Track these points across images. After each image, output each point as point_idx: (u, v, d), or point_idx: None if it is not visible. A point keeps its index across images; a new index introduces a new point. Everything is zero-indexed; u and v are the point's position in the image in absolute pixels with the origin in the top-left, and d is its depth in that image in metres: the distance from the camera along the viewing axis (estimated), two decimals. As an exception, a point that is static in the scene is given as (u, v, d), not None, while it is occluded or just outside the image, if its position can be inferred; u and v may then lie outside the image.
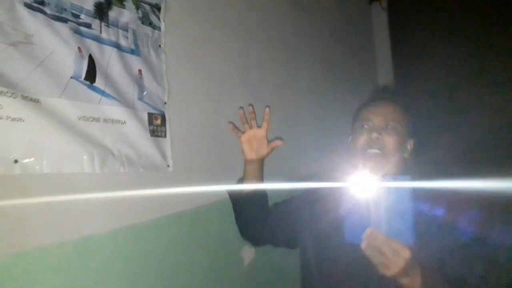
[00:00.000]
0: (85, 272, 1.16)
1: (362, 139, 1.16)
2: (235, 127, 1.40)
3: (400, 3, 4.62)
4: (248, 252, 1.81)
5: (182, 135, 1.58)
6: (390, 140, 1.14)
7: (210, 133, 1.75)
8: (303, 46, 2.78)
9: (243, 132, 1.35)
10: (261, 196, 1.37)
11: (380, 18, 4.65)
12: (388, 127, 1.15)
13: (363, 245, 0.88)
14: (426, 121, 2.82)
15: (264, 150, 1.31)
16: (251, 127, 1.38)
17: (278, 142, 1.33)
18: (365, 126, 1.19)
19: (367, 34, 4.53)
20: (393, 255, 0.83)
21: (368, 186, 0.92)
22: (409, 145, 1.20)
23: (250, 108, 1.28)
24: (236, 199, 1.36)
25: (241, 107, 1.21)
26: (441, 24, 3.84)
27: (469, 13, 3.55)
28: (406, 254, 0.83)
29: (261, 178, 1.35)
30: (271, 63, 2.30)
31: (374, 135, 1.13)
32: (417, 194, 0.88)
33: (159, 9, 1.54)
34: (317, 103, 2.85)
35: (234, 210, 1.38)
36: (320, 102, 2.88)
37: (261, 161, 1.34)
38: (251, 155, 1.32)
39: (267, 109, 1.33)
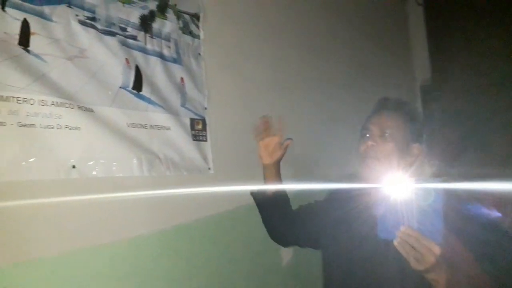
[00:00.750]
0: (135, 270, 1.24)
1: (361, 147, 1.20)
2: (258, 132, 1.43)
3: (437, -3, 4.50)
4: (286, 252, 1.85)
5: (221, 138, 1.64)
6: (385, 147, 1.15)
7: (247, 136, 1.79)
8: (336, 46, 2.79)
9: (262, 139, 1.38)
10: (282, 197, 1.41)
11: (415, 14, 4.56)
12: (386, 134, 1.16)
13: (397, 241, 0.93)
14: (464, 119, 2.75)
15: (278, 153, 1.34)
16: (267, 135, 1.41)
17: (288, 142, 1.37)
18: (365, 136, 1.21)
19: (402, 31, 4.45)
20: (424, 251, 0.88)
21: (401, 187, 0.98)
22: (415, 150, 1.20)
23: (265, 118, 1.32)
24: (260, 202, 1.41)
25: (264, 116, 1.27)
26: (482, 18, 3.72)
27: (512, 6, 3.41)
28: (436, 250, 0.88)
29: (279, 180, 1.39)
30: (304, 65, 2.33)
31: (370, 142, 1.16)
32: (452, 194, 0.91)
33: (198, 18, 1.61)
34: (352, 103, 2.85)
35: (259, 212, 1.43)
36: (354, 102, 2.87)
37: (277, 165, 1.38)
38: (267, 159, 1.36)
39: (279, 118, 1.36)
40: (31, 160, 1.01)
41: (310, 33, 2.43)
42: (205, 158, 1.54)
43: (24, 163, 0.99)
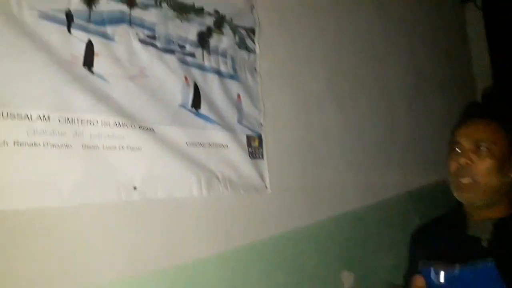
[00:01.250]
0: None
1: (452, 166, 1.06)
2: None
3: (498, 0, 4.26)
4: (347, 277, 1.74)
5: (277, 155, 1.58)
6: (482, 165, 1.01)
7: (304, 152, 1.73)
8: (395, 55, 2.67)
9: None
10: None
11: (475, 19, 4.32)
12: (481, 148, 1.02)
13: None
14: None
15: None
16: None
17: None
18: (455, 150, 1.07)
19: (461, 37, 4.22)
20: None
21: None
22: None
23: None
24: None
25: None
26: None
27: None
28: None
29: None
30: (362, 75, 2.23)
31: (462, 160, 1.02)
32: None
33: (253, 32, 1.57)
34: (413, 114, 2.70)
35: None
36: (415, 113, 2.72)
37: None
38: None
39: None
40: (94, 182, 0.99)
41: (367, 43, 2.33)
42: (262, 176, 1.49)
43: (89, 185, 0.98)
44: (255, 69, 1.56)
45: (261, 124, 1.54)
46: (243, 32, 1.53)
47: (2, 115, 0.84)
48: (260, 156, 1.50)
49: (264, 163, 1.51)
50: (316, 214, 1.73)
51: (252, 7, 1.59)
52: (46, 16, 0.96)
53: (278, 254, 1.50)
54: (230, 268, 1.31)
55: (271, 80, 1.62)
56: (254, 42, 1.57)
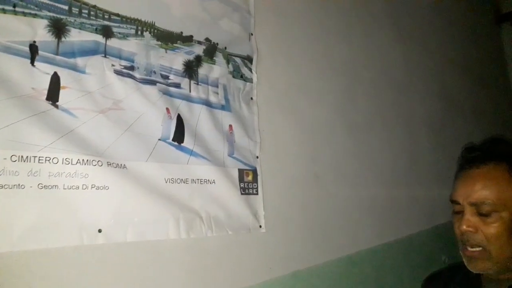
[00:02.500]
0: None
1: (456, 228, 0.89)
2: None
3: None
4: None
5: (276, 190, 1.46)
6: (489, 232, 0.84)
7: (309, 186, 1.59)
8: (417, 81, 2.50)
9: None
10: None
11: (511, 39, 4.06)
12: (483, 211, 0.84)
13: None
14: None
15: None
16: None
17: None
18: (456, 212, 0.91)
19: (498, 60, 3.96)
20: None
21: None
22: None
23: None
24: None
25: None
26: None
27: None
28: None
29: None
30: (376, 103, 2.08)
31: (464, 228, 0.86)
32: None
33: (251, 60, 1.49)
34: (437, 143, 2.50)
35: None
36: (441, 141, 2.52)
37: None
38: None
39: None
40: (51, 225, 0.91)
41: (385, 69, 2.20)
42: (255, 215, 1.37)
43: (45, 229, 0.90)
44: (252, 99, 1.47)
45: (257, 157, 1.43)
46: (238, 60, 1.44)
47: None
48: (254, 191, 1.39)
49: (259, 199, 1.40)
50: (323, 255, 1.58)
51: (250, 35, 1.51)
52: (7, 49, 0.91)
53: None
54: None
55: (271, 110, 1.52)
56: (251, 71, 1.48)
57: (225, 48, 1.41)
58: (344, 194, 1.74)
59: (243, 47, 1.48)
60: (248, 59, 1.48)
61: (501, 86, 3.87)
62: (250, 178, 1.39)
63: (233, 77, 1.42)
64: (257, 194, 1.40)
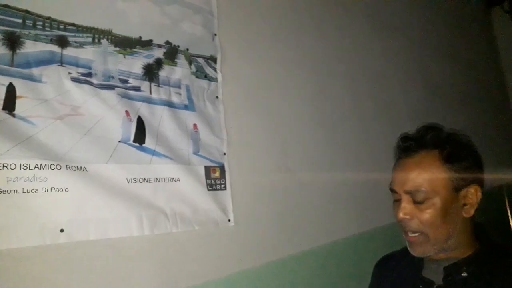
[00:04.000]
0: None
1: (396, 216, 0.92)
2: None
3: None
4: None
5: (245, 185, 1.50)
6: (424, 218, 0.88)
7: (280, 179, 1.64)
8: (398, 70, 2.52)
9: None
10: None
11: (503, 24, 4.04)
12: (418, 199, 0.89)
13: None
14: None
15: None
16: None
17: None
18: (394, 197, 0.95)
19: (488, 44, 3.95)
20: None
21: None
22: (470, 196, 0.90)
23: None
24: None
25: None
26: None
27: None
28: None
29: None
30: (354, 94, 2.11)
31: (401, 216, 0.90)
32: None
33: (214, 60, 1.53)
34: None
35: None
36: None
37: None
38: None
39: None
40: (12, 227, 0.97)
41: (359, 59, 2.22)
42: (224, 209, 1.41)
43: (5, 231, 0.96)
44: (217, 97, 1.51)
45: (224, 154, 1.48)
46: (201, 61, 1.49)
47: None
48: (222, 187, 1.44)
49: (227, 194, 1.44)
50: (298, 246, 1.62)
51: (213, 35, 1.55)
52: (-39, 64, 0.97)
53: (244, 292, 1.41)
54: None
55: (238, 107, 1.57)
56: (215, 70, 1.53)
57: (187, 49, 1.45)
58: (318, 186, 1.77)
59: (207, 47, 1.52)
60: (211, 59, 1.52)
61: (492, 72, 3.86)
62: (217, 174, 1.43)
63: (197, 77, 1.46)
64: (225, 189, 1.44)
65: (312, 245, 1.67)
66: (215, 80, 1.52)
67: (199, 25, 1.51)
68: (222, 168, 1.45)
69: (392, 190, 0.95)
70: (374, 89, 2.28)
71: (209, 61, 1.52)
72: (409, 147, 0.93)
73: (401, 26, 2.67)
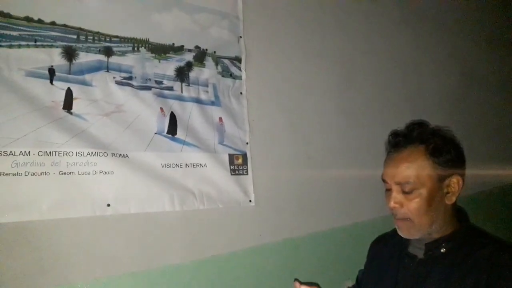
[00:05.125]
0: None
1: (388, 204, 1.04)
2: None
3: None
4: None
5: (265, 171, 1.70)
6: (411, 206, 1.00)
7: (299, 165, 1.81)
8: (430, 59, 2.56)
9: None
10: None
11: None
12: (406, 190, 1.00)
13: None
14: None
15: None
16: None
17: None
18: (386, 187, 1.06)
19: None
20: None
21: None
22: (452, 185, 1.01)
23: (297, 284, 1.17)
24: None
25: (296, 279, 1.16)
26: None
27: None
28: None
29: None
30: (380, 85, 2.21)
31: (392, 204, 1.02)
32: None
33: (239, 60, 1.73)
34: (454, 122, 2.54)
35: None
36: (459, 121, 2.56)
37: None
38: None
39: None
40: (70, 201, 1.25)
41: (389, 49, 2.30)
42: (245, 191, 1.62)
43: (65, 204, 1.24)
44: (241, 93, 1.71)
45: (247, 143, 1.68)
46: (227, 61, 1.69)
47: (-9, 153, 1.14)
48: (244, 172, 1.64)
49: (248, 179, 1.65)
50: (314, 226, 1.79)
51: (239, 38, 1.75)
52: (32, 74, 1.25)
53: (262, 264, 1.61)
54: (204, 275, 1.46)
55: (261, 101, 1.76)
56: (240, 69, 1.72)
57: (214, 52, 1.66)
58: (339, 173, 1.92)
59: (232, 49, 1.72)
60: (236, 59, 1.72)
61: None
62: (240, 161, 1.64)
63: (223, 76, 1.67)
64: (247, 174, 1.65)
65: (330, 226, 1.83)
66: (240, 78, 1.72)
67: (225, 29, 1.71)
68: (244, 156, 1.66)
69: (384, 181, 1.07)
70: (402, 78, 2.36)
71: (234, 61, 1.71)
72: (398, 142, 1.04)
73: (433, 13, 2.67)
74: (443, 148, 1.00)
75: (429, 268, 1.02)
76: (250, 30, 1.78)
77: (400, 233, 1.05)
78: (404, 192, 1.00)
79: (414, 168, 1.00)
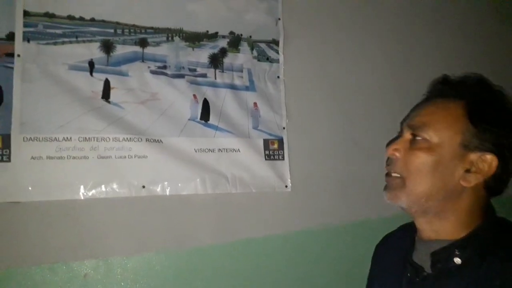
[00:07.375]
0: (199, 278, 1.44)
1: (387, 151, 0.84)
2: None
3: None
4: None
5: (303, 156, 1.67)
6: (411, 159, 0.79)
7: (340, 151, 1.75)
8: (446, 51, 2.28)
9: None
10: None
11: None
12: (416, 139, 0.79)
13: None
14: None
15: None
16: None
17: None
18: (398, 134, 0.87)
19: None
20: None
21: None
22: (481, 164, 0.75)
23: None
24: None
25: None
26: None
27: None
28: None
29: None
30: (413, 75, 2.01)
31: (390, 151, 0.82)
32: None
33: (277, 43, 1.71)
34: None
35: None
36: None
37: None
38: None
39: None
40: (108, 182, 1.36)
41: (409, 41, 2.07)
42: (281, 177, 1.62)
43: (103, 185, 1.36)
44: (278, 77, 1.70)
45: (284, 128, 1.67)
46: (263, 45, 1.69)
47: (38, 139, 1.29)
48: (280, 157, 1.64)
49: (284, 164, 1.64)
50: (357, 213, 1.73)
51: (277, 20, 1.73)
52: (74, 67, 1.38)
53: (297, 249, 1.61)
54: (234, 257, 1.50)
55: (299, 85, 1.72)
56: (277, 52, 1.71)
57: (250, 36, 1.66)
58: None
59: (269, 32, 1.70)
60: (273, 42, 1.70)
61: None
62: (275, 146, 1.64)
63: (258, 60, 1.67)
64: (283, 159, 1.64)
65: (375, 215, 1.74)
66: (277, 61, 1.70)
67: (263, 13, 1.70)
68: (280, 141, 1.65)
69: (400, 129, 0.87)
70: (430, 67, 2.13)
71: (271, 44, 1.70)
72: (443, 87, 0.84)
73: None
74: (493, 117, 0.77)
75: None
76: (289, 11, 1.74)
77: (384, 193, 0.84)
78: (413, 140, 0.81)
79: (444, 117, 0.79)
